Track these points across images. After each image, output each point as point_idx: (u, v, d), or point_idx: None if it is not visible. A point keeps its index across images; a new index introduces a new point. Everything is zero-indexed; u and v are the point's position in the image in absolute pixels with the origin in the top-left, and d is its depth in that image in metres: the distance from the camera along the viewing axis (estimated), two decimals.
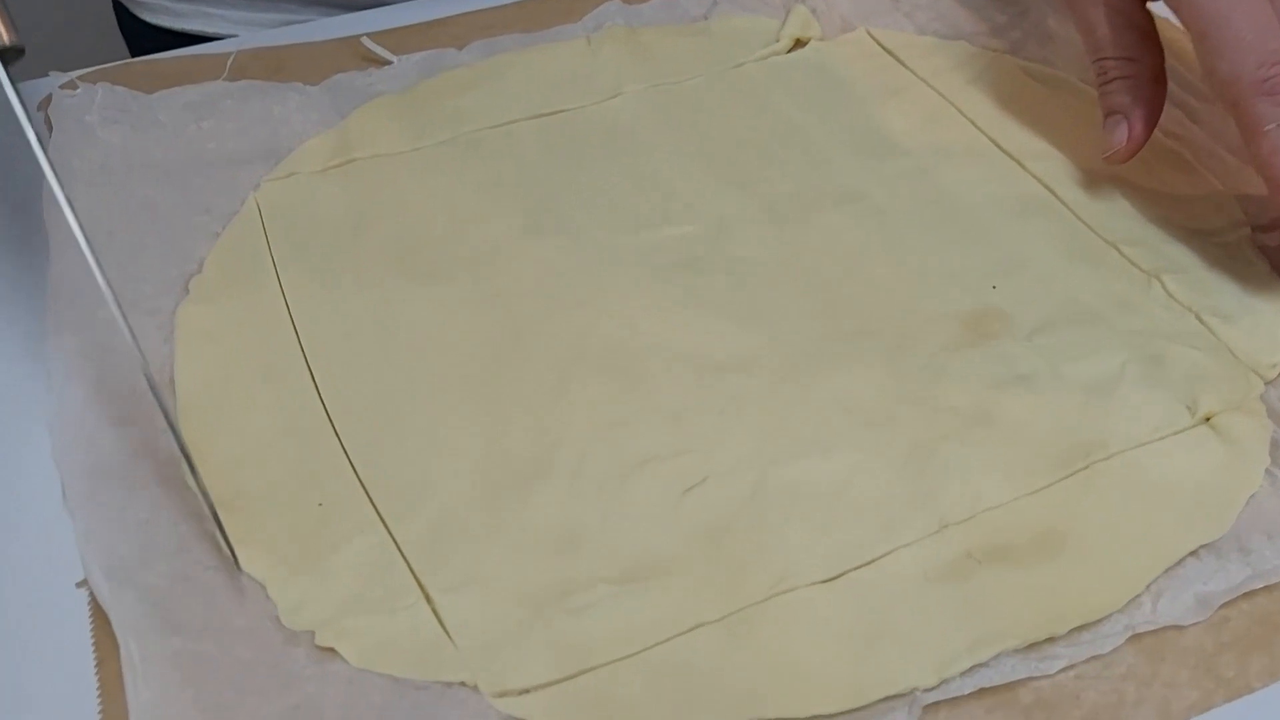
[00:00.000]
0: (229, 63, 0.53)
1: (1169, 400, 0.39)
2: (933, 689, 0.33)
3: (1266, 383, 0.40)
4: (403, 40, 0.55)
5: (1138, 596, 0.35)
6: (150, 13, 0.67)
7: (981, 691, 0.33)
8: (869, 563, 0.35)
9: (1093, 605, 0.34)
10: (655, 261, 0.45)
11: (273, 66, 0.53)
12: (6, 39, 0.36)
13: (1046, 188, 0.47)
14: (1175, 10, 0.42)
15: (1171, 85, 0.46)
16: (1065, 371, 0.40)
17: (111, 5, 0.71)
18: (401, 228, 0.46)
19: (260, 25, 0.63)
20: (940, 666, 0.33)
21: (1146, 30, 0.46)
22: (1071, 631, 0.34)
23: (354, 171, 0.49)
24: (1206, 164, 0.48)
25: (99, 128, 0.49)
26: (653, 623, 0.34)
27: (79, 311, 0.41)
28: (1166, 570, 0.35)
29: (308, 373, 0.41)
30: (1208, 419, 0.39)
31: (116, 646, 0.33)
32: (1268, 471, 0.38)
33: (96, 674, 0.34)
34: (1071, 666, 0.33)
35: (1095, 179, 0.47)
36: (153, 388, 0.36)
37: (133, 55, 0.60)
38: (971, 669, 0.33)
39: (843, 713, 0.32)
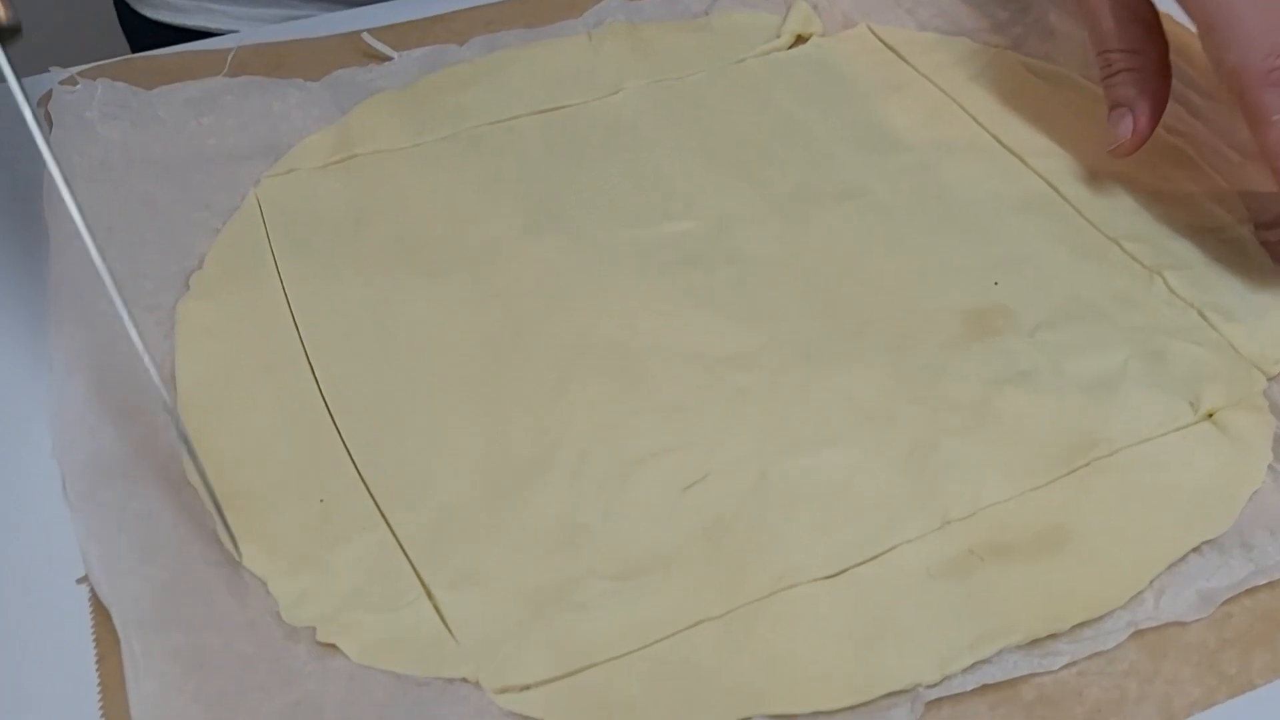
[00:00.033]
0: (229, 58, 0.53)
1: (1171, 396, 0.39)
2: (935, 685, 0.33)
3: (1269, 379, 0.40)
4: (403, 36, 0.55)
5: (1140, 593, 0.35)
6: (150, 8, 0.67)
7: (984, 688, 0.33)
8: (871, 559, 0.35)
9: (1095, 601, 0.34)
10: (656, 258, 0.45)
11: (273, 62, 0.53)
12: (4, 16, 0.35)
13: (1048, 184, 0.47)
14: (1182, 2, 0.42)
15: (1173, 81, 0.46)
16: (1067, 368, 0.40)
17: (112, 1, 0.71)
18: (402, 224, 0.46)
19: (261, 21, 0.63)
20: (943, 663, 0.33)
21: (1151, 23, 0.46)
22: (1074, 628, 0.34)
23: (354, 167, 0.49)
24: (1209, 160, 0.48)
25: (99, 124, 0.49)
26: (654, 619, 0.34)
27: (79, 308, 0.41)
28: (1169, 566, 0.35)
29: (308, 369, 0.41)
30: (1210, 415, 0.39)
31: (117, 642, 0.33)
32: (1270, 467, 0.38)
33: (97, 669, 0.34)
34: (1074, 663, 0.33)
35: (1097, 175, 0.47)
36: (156, 380, 0.35)
37: (133, 51, 0.60)
38: (974, 665, 0.33)
39: (845, 709, 0.32)
